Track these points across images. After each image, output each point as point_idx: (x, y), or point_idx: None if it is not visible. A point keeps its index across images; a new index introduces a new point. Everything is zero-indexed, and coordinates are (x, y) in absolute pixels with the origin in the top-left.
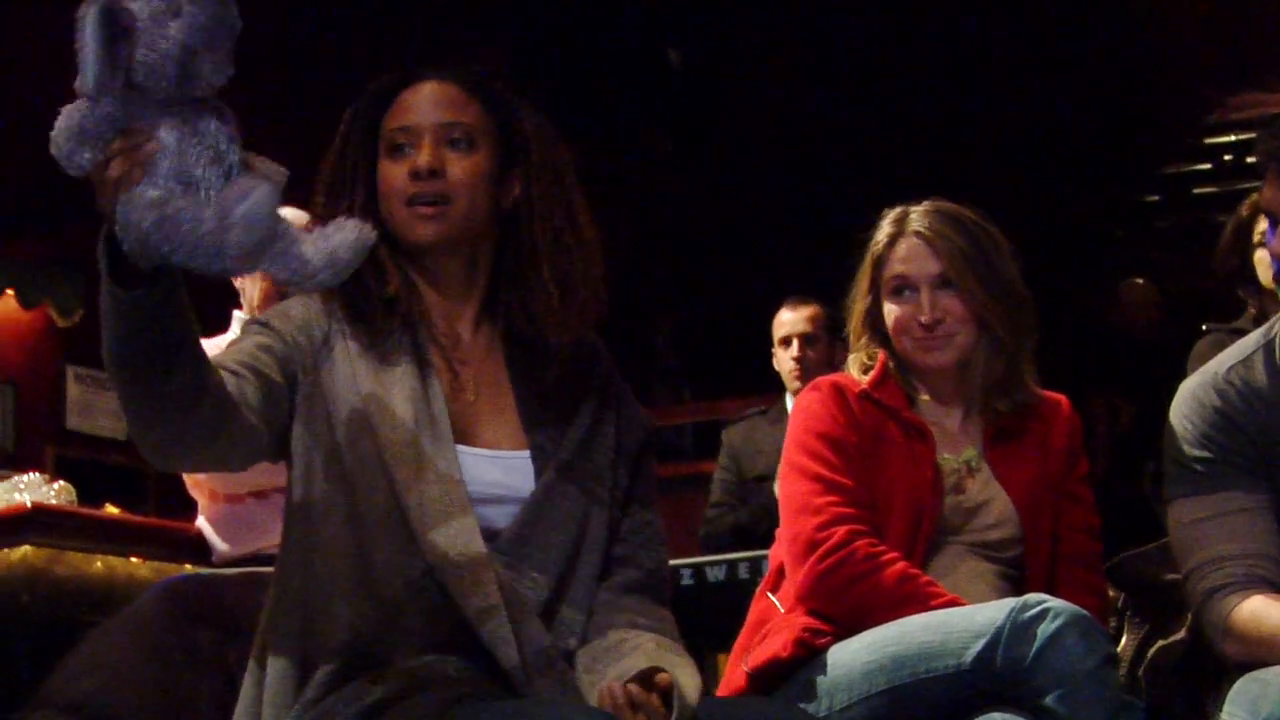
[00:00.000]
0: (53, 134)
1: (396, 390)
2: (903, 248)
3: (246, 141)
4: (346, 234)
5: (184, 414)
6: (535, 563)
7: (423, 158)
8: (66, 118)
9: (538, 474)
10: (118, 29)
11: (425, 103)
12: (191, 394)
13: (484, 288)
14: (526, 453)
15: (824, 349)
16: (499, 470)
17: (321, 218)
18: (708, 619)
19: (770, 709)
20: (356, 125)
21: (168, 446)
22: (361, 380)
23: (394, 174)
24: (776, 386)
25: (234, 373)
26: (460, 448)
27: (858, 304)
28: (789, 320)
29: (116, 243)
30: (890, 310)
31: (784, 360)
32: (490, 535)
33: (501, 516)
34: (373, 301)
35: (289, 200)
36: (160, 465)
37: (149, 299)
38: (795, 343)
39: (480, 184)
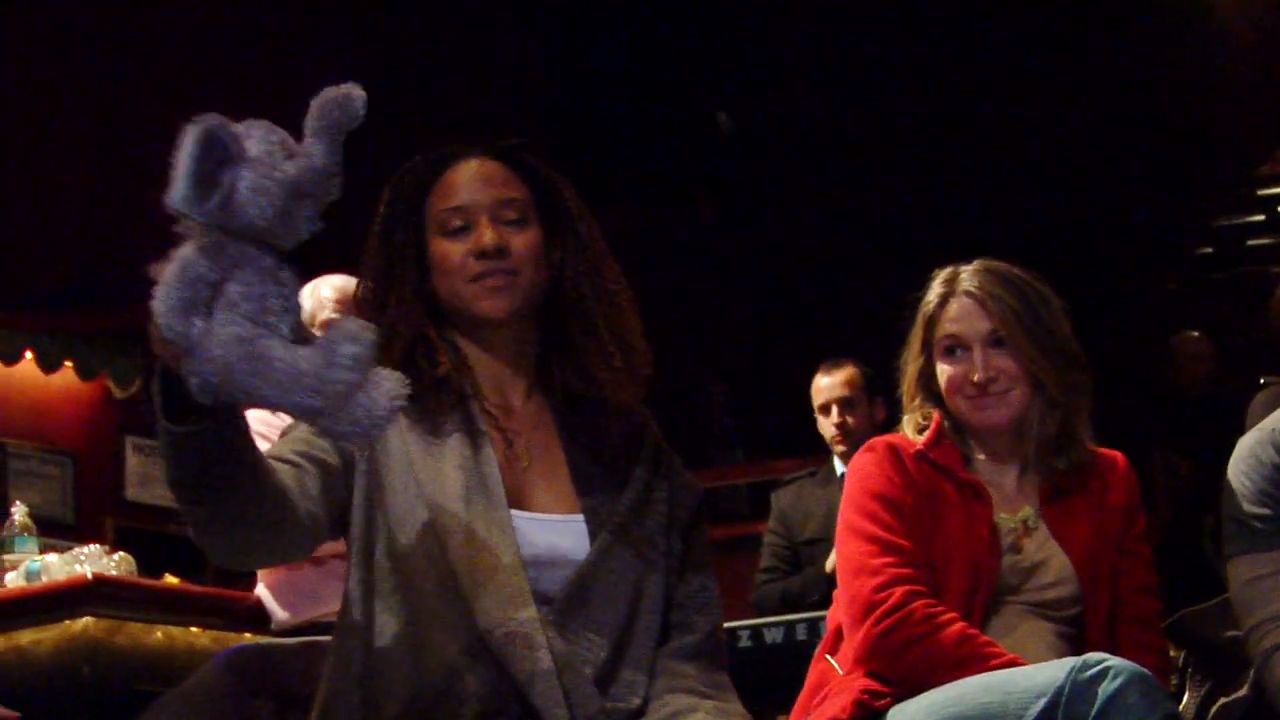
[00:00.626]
0: (156, 318)
1: (448, 460)
2: (954, 307)
3: None
4: (392, 383)
5: (246, 526)
6: (592, 625)
7: (488, 237)
8: (164, 299)
9: (592, 537)
10: (220, 153)
11: (475, 181)
12: (252, 508)
13: (534, 356)
14: (580, 517)
15: (864, 410)
16: (554, 534)
17: (374, 300)
18: (766, 681)
19: None
20: (399, 207)
21: (230, 553)
22: (414, 453)
23: (453, 252)
24: (827, 448)
25: (293, 464)
26: (514, 512)
27: (910, 365)
28: (825, 386)
29: (169, 380)
30: (943, 370)
31: (826, 427)
32: (544, 599)
33: (556, 580)
34: (425, 381)
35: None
36: (223, 564)
37: (207, 433)
38: (834, 409)
39: (538, 256)
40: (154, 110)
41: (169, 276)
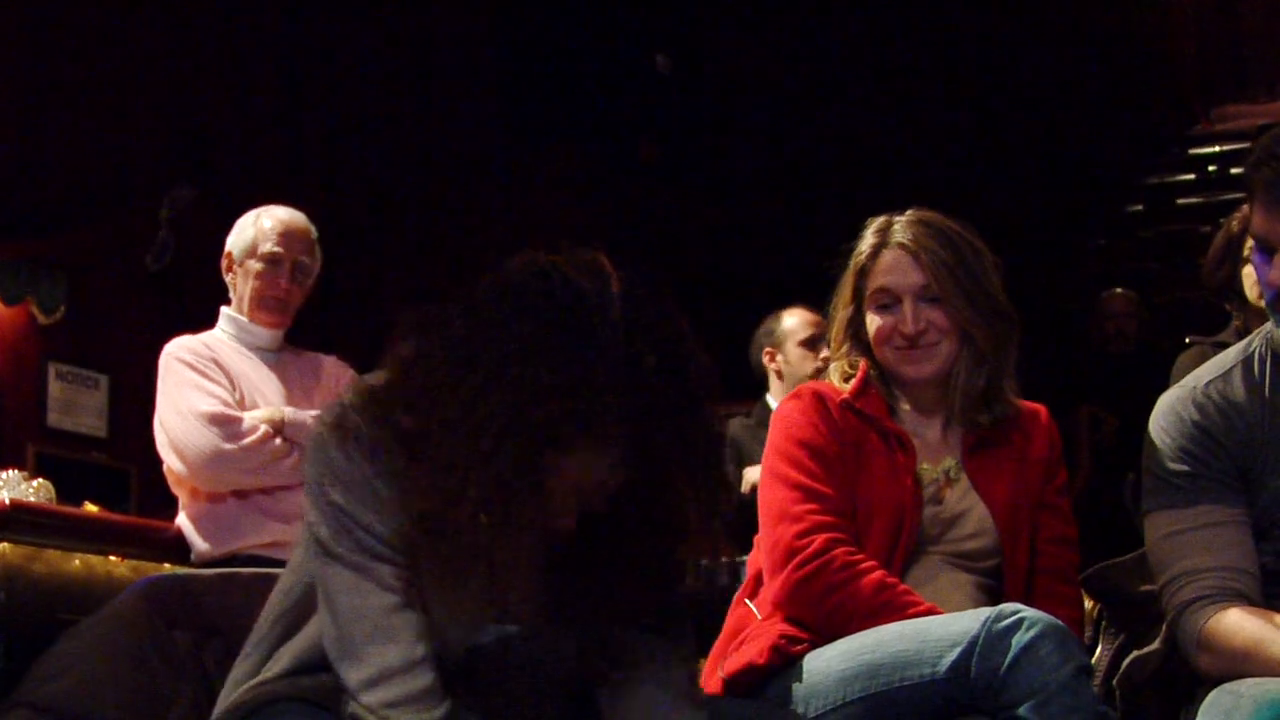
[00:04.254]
0: None
1: None
2: (886, 259)
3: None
4: None
5: None
6: None
7: None
8: None
9: None
10: None
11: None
12: None
13: None
14: None
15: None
16: None
17: None
18: None
19: (749, 711)
20: None
21: None
22: None
23: None
24: (755, 391)
25: None
26: None
27: (839, 313)
28: (813, 320)
29: None
30: (873, 320)
31: (810, 363)
32: None
33: None
34: None
35: None
36: None
37: None
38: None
39: None
40: (82, 37)
41: None
